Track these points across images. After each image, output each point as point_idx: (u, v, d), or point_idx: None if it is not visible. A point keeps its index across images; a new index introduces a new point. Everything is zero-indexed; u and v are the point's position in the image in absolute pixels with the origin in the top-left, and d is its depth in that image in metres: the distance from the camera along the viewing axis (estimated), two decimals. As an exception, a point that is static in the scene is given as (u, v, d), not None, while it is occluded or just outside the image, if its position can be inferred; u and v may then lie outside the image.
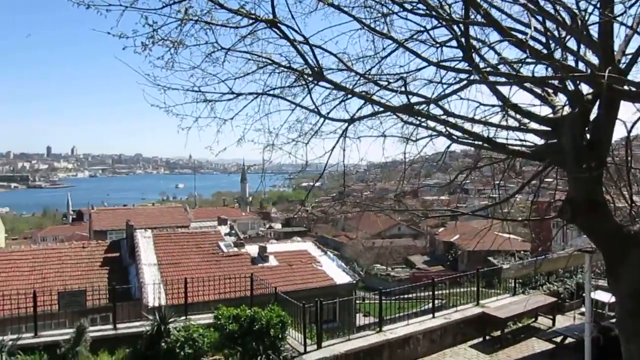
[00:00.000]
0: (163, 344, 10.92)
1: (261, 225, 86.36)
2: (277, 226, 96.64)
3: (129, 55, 5.31)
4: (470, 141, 6.35)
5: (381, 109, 6.13)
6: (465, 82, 5.39)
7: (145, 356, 10.97)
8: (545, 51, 5.63)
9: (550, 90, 6.11)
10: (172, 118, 5.98)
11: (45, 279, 23.21)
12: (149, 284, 21.08)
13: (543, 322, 14.27)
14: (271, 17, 5.44)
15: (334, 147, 6.25)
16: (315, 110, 6.08)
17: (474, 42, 5.80)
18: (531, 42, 4.93)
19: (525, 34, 4.89)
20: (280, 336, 10.77)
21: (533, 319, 14.41)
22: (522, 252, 37.53)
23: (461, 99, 6.23)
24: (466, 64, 5.41)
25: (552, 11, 5.32)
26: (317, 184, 7.26)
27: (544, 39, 5.85)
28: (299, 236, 49.39)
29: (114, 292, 13.44)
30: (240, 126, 6.26)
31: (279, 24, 5.53)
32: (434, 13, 5.38)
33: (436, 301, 14.05)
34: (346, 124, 6.23)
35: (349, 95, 6.06)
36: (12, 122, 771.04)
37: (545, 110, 6.22)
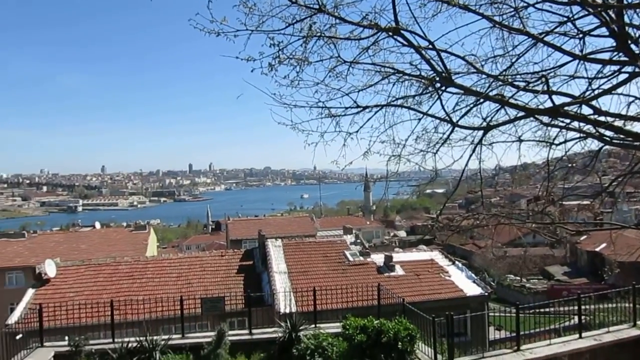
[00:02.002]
0: (294, 350, 11.23)
1: (385, 234, 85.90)
2: (402, 234, 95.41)
3: (256, 76, 5.52)
4: (628, 142, 5.48)
5: (521, 114, 5.59)
6: (627, 75, 4.67)
7: (279, 361, 11.39)
8: None
9: None
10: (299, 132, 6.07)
11: (190, 285, 25.39)
12: (280, 292, 21.97)
13: None
14: (394, 25, 5.30)
15: (470, 157, 5.84)
16: (447, 118, 5.75)
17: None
18: None
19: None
20: (408, 350, 10.47)
21: None
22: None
23: (611, 94, 5.47)
24: (620, 54, 4.70)
25: None
26: (441, 190, 6.88)
27: None
28: (425, 244, 48.13)
29: (249, 298, 14.17)
30: (365, 139, 6.18)
31: (402, 31, 5.36)
32: (578, 0, 4.78)
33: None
34: (481, 132, 5.79)
35: (481, 100, 5.63)
36: (161, 144, 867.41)
37: None
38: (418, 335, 10.74)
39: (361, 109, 5.97)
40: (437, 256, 29.06)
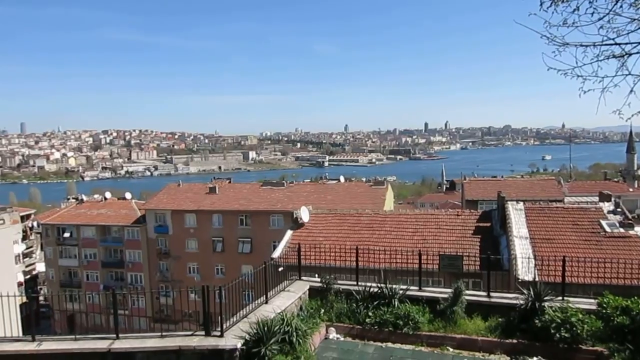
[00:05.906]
0: (537, 321, 10.53)
1: (655, 204, 72.16)
2: (678, 207, 78.82)
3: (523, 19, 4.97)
4: None
5: None
6: None
7: (518, 329, 10.84)
8: None
9: None
10: (542, 86, 5.39)
11: (425, 241, 25.95)
12: (520, 257, 20.74)
13: None
14: None
15: None
16: None
17: None
18: None
19: None
20: (688, 343, 8.75)
21: None
22: None
23: None
24: None
25: None
26: None
27: None
28: None
29: (488, 260, 13.70)
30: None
31: None
32: None
33: None
34: None
35: None
36: (398, 103, 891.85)
37: None
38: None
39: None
40: None
